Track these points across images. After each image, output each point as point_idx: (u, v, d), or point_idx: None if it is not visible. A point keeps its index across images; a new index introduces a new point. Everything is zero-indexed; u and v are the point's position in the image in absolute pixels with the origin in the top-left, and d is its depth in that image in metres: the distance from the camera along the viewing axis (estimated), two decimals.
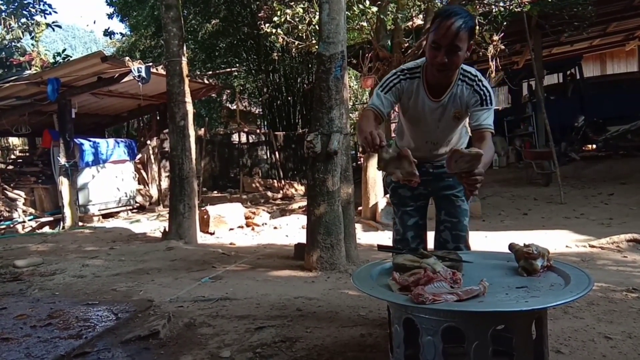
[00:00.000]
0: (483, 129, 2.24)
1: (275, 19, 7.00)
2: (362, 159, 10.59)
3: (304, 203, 8.73)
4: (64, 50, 12.04)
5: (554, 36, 10.62)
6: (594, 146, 11.56)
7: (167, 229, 6.39)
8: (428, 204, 2.68)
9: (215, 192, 13.22)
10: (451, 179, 2.50)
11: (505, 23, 7.58)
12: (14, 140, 14.71)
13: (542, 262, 1.93)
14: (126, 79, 7.91)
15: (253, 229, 7.36)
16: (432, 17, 2.19)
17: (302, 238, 4.98)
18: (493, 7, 7.81)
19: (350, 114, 4.91)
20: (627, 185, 8.18)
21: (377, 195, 7.56)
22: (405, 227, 2.58)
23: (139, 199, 10.61)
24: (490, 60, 7.74)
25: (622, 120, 10.17)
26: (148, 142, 11.29)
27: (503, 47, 7.63)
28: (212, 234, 6.99)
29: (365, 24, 6.83)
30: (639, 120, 9.70)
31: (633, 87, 11.51)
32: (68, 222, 8.31)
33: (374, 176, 7.58)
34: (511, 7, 7.62)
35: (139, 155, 10.90)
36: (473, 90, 2.26)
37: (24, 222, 8.53)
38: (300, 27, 7.04)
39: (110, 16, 16.01)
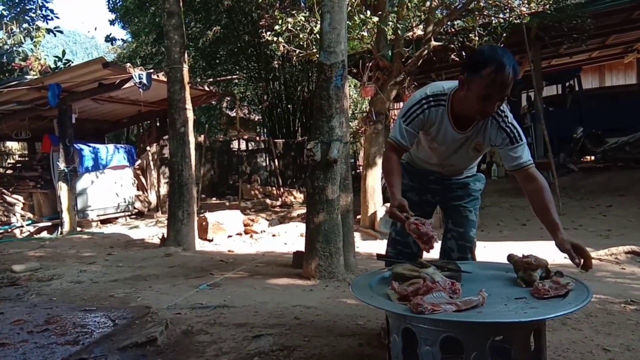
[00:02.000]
0: (526, 166, 2.13)
1: (277, 27, 7.04)
2: (361, 168, 10.60)
3: (303, 211, 8.73)
4: (64, 54, 12.05)
5: (553, 48, 10.67)
6: (593, 158, 11.58)
7: (165, 236, 6.38)
8: (433, 213, 2.68)
9: (214, 199, 13.22)
10: (461, 190, 2.52)
11: (504, 34, 7.63)
12: (13, 145, 14.71)
13: (541, 273, 1.93)
14: (127, 85, 7.93)
15: (251, 237, 7.35)
16: (474, 63, 1.99)
17: (300, 246, 4.97)
18: (493, 18, 7.87)
19: (350, 123, 4.95)
20: (625, 197, 8.19)
21: (376, 204, 7.57)
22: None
23: (138, 205, 10.60)
24: None
25: (621, 132, 10.20)
26: (148, 148, 11.30)
27: None
28: (210, 240, 6.98)
29: (365, 33, 6.87)
30: (638, 132, 9.73)
31: (631, 99, 11.56)
32: (66, 227, 8.29)
33: (373, 185, 7.59)
34: (511, 18, 7.68)
35: (139, 161, 10.90)
36: (499, 128, 2.15)
37: (22, 226, 8.50)
38: (301, 35, 7.08)
39: (112, 22, 16.09)
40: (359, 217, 7.48)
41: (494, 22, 7.85)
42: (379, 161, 7.14)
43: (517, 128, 2.17)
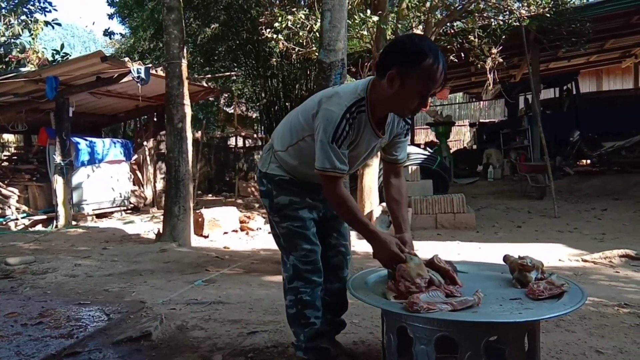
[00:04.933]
0: (402, 162, 2.18)
1: (277, 24, 7.03)
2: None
3: None
4: (62, 47, 11.99)
5: (551, 51, 10.72)
6: (589, 161, 11.63)
7: (161, 231, 6.37)
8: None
9: (210, 195, 13.20)
10: None
11: (503, 36, 7.65)
12: (8, 137, 14.63)
13: (536, 274, 1.94)
14: (125, 79, 7.90)
15: (247, 233, 7.35)
16: (411, 55, 1.75)
17: None
18: (492, 20, 7.89)
19: None
20: (620, 201, 8.23)
21: (373, 203, 7.57)
22: (317, 253, 2.13)
23: (134, 199, 10.57)
24: (488, 72, 7.80)
25: (617, 136, 10.25)
26: (144, 143, 11.27)
27: (501, 60, 7.70)
28: (206, 237, 6.97)
29: (365, 32, 6.87)
30: (634, 136, 9.78)
31: (628, 104, 11.63)
32: (61, 220, 8.26)
33: (370, 184, 7.59)
34: (510, 21, 7.70)
35: (135, 156, 10.87)
36: (403, 122, 2.09)
37: (17, 219, 8.48)
38: (301, 33, 7.07)
39: (110, 17, 16.01)
40: None
41: (493, 24, 7.86)
42: (377, 160, 7.13)
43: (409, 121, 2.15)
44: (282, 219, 2.13)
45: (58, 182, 8.31)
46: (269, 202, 2.16)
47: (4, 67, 10.88)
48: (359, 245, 5.63)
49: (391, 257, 1.89)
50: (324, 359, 2.14)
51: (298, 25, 6.97)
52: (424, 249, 5.42)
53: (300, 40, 7.24)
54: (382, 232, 1.97)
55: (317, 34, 6.61)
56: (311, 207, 2.14)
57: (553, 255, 4.91)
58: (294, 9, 7.14)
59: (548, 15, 7.66)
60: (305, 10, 7.09)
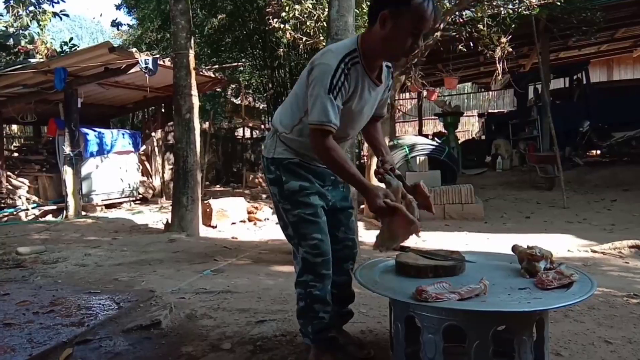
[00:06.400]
0: (382, 115, 2.27)
1: (284, 14, 7.00)
2: (365, 158, 10.59)
3: None
4: (70, 39, 12.03)
5: (561, 40, 10.58)
6: (598, 152, 11.53)
7: (169, 221, 6.41)
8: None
9: (218, 186, 13.24)
10: (343, 188, 2.27)
11: (513, 25, 7.56)
12: (14, 128, 14.69)
13: (545, 264, 1.94)
14: (133, 70, 7.91)
15: (255, 224, 7.37)
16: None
17: None
18: (502, 9, 7.80)
19: None
20: (630, 192, 8.17)
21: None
22: (327, 243, 2.09)
23: (142, 190, 10.63)
24: (497, 62, 7.73)
25: (627, 126, 10.15)
26: (153, 134, 11.30)
27: (510, 49, 7.62)
28: (214, 227, 7.00)
29: None
30: None
31: (639, 94, 11.48)
32: (71, 211, 8.33)
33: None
34: (520, 9, 7.61)
35: (143, 147, 10.92)
36: (390, 72, 2.13)
37: (28, 209, 8.55)
38: (308, 23, 7.03)
39: (118, 7, 16.01)
40: (362, 206, 7.48)
41: (502, 12, 7.77)
42: None
43: None
44: (293, 206, 2.06)
45: (67, 173, 8.36)
46: (278, 189, 2.09)
47: (13, 58, 10.93)
48: (367, 235, 5.64)
49: (377, 208, 1.89)
50: (332, 348, 2.15)
51: (305, 15, 6.94)
52: (432, 240, 5.43)
53: (308, 30, 7.21)
54: (371, 184, 1.97)
55: (324, 23, 6.57)
56: (321, 194, 2.10)
57: (562, 245, 4.89)
58: None
59: (558, 3, 7.55)
60: (312, 0, 7.05)
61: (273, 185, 2.12)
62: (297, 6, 6.82)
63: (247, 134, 15.68)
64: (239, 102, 16.60)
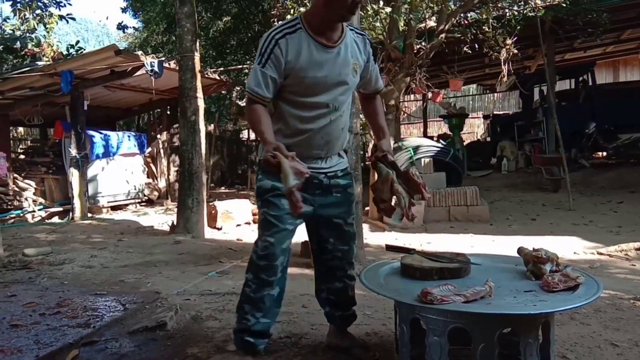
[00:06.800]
0: (381, 89, 2.23)
1: (288, 16, 7.01)
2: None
3: None
4: (77, 42, 12.10)
5: (567, 42, 10.55)
6: (604, 153, 11.47)
7: (175, 223, 6.42)
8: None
9: (223, 188, 13.28)
10: (340, 194, 2.14)
11: (518, 27, 7.54)
12: (21, 131, 14.77)
13: (550, 267, 1.93)
14: (139, 72, 7.95)
15: None
16: None
17: None
18: (507, 10, 7.79)
19: (360, 114, 4.89)
20: (636, 193, 8.12)
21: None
22: (280, 250, 2.03)
23: (147, 192, 10.67)
24: (502, 64, 7.72)
25: (634, 128, 10.10)
26: (158, 136, 11.35)
27: (516, 51, 7.60)
28: (219, 229, 7.01)
29: (378, 24, 6.82)
30: None
31: None
32: (77, 212, 8.37)
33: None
34: (525, 11, 7.59)
35: (149, 149, 10.96)
36: (365, 40, 2.07)
37: (34, 211, 8.60)
38: None
39: (124, 10, 16.11)
40: (367, 208, 7.48)
41: (508, 14, 7.76)
42: None
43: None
44: (262, 204, 2.06)
45: (73, 175, 8.41)
46: (256, 189, 2.12)
47: (20, 61, 11.00)
48: (372, 237, 5.64)
49: (265, 161, 1.79)
50: (245, 351, 2.14)
51: None
52: (437, 242, 5.42)
53: None
54: (270, 139, 1.84)
55: None
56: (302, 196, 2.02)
57: (568, 248, 4.87)
58: (306, 1, 7.11)
59: (564, 5, 7.54)
60: None
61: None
62: (301, 9, 6.83)
63: (252, 136, 15.70)
64: (244, 104, 16.64)
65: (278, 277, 2.06)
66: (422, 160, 7.79)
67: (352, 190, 2.23)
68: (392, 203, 2.01)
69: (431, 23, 7.93)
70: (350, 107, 2.20)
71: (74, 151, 8.39)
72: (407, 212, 1.96)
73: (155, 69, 7.60)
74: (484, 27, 7.47)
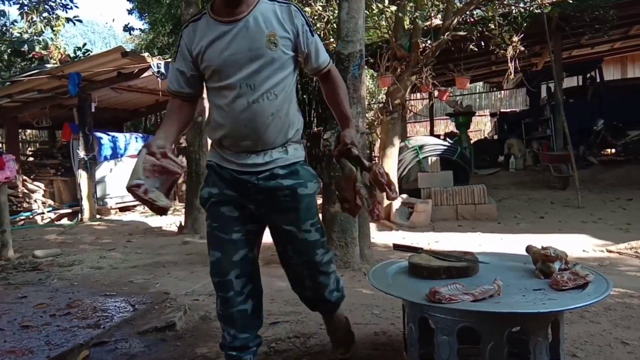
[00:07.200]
0: (326, 65, 1.92)
1: None
2: (377, 159, 10.56)
3: (319, 201, 8.73)
4: (84, 45, 12.18)
5: (574, 38, 10.47)
6: (613, 150, 11.39)
7: (182, 224, 6.45)
8: (262, 231, 1.99)
9: None
10: (288, 198, 1.86)
11: (525, 24, 7.50)
12: (30, 133, 14.89)
13: (559, 265, 1.92)
14: (145, 74, 8.00)
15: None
16: None
17: None
18: (513, 7, 7.75)
19: (367, 113, 4.89)
20: None
21: None
22: (229, 263, 1.84)
23: None
24: (509, 61, 7.67)
25: None
26: None
27: (522, 48, 7.56)
28: None
29: (383, 22, 6.81)
30: None
31: None
32: (86, 214, 8.43)
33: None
34: (531, 8, 7.55)
35: None
36: (291, 10, 1.81)
37: (43, 213, 8.67)
38: (318, 25, 7.05)
39: (130, 12, 16.19)
40: None
41: (514, 11, 7.72)
42: (395, 152, 7.11)
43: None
44: (206, 216, 1.92)
45: (82, 177, 8.47)
46: None
47: (27, 64, 11.09)
48: (379, 237, 5.63)
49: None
50: None
51: (315, 17, 6.96)
52: (445, 241, 5.40)
53: (318, 32, 7.21)
54: (157, 137, 1.80)
55: (334, 25, 6.58)
56: (235, 203, 1.86)
57: (577, 246, 4.84)
58: (311, 1, 7.13)
59: (570, 1, 7.49)
60: (322, 2, 7.07)
61: None
62: (307, 9, 6.85)
63: None
64: None
65: (238, 291, 1.87)
66: (429, 158, 7.77)
67: (305, 191, 1.89)
68: (357, 202, 1.88)
69: (437, 21, 7.90)
70: (292, 88, 1.89)
71: (82, 153, 8.45)
72: (371, 213, 1.89)
73: (162, 70, 7.64)
74: (490, 25, 7.43)
